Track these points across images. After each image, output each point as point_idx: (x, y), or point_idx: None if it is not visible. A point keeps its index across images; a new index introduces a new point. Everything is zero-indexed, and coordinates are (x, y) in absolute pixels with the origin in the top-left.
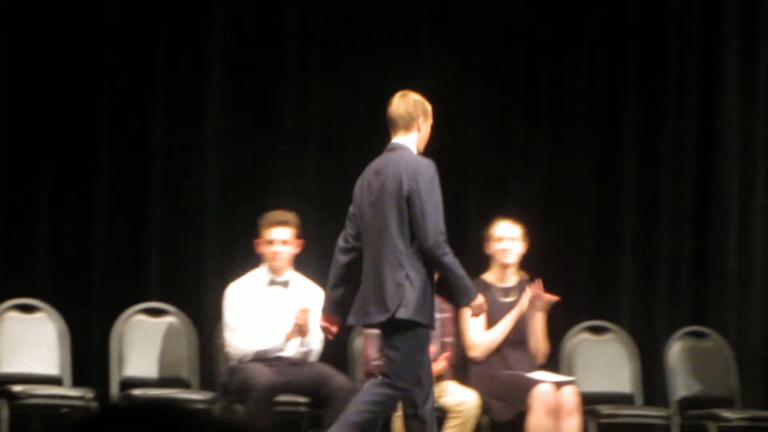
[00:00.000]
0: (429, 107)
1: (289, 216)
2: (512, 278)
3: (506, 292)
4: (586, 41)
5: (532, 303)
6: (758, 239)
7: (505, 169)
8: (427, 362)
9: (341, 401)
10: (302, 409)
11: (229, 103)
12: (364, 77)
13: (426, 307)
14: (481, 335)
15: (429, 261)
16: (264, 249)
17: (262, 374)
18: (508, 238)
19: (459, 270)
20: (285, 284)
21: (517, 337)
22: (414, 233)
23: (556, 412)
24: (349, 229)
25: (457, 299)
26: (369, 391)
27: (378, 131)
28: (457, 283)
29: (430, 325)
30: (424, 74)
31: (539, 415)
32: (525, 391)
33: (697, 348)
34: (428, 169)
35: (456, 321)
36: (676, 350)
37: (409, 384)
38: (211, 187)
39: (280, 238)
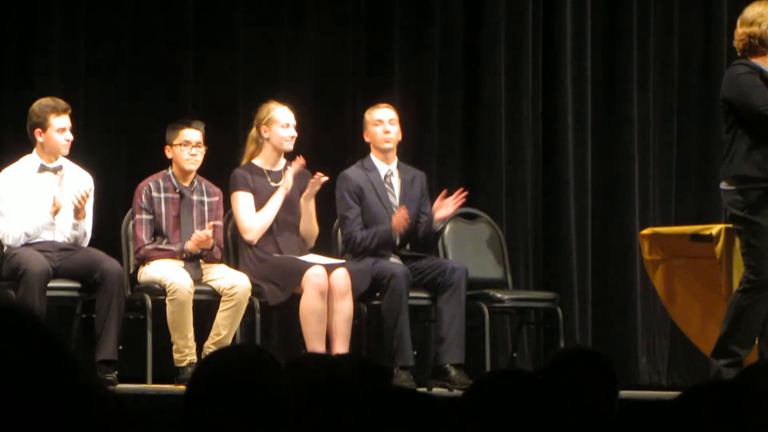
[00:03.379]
0: None
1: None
2: (282, 162)
3: (275, 176)
4: None
5: (307, 185)
6: (529, 131)
7: None
8: None
9: (113, 285)
10: (75, 294)
11: None
12: None
13: None
14: (252, 218)
15: None
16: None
17: (34, 259)
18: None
19: None
20: (56, 170)
21: (289, 221)
22: None
23: (328, 295)
24: None
25: None
26: None
27: None
28: None
29: None
30: None
31: (311, 298)
32: (297, 274)
33: (468, 230)
34: None
35: (224, 205)
36: (447, 232)
37: None
38: None
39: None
